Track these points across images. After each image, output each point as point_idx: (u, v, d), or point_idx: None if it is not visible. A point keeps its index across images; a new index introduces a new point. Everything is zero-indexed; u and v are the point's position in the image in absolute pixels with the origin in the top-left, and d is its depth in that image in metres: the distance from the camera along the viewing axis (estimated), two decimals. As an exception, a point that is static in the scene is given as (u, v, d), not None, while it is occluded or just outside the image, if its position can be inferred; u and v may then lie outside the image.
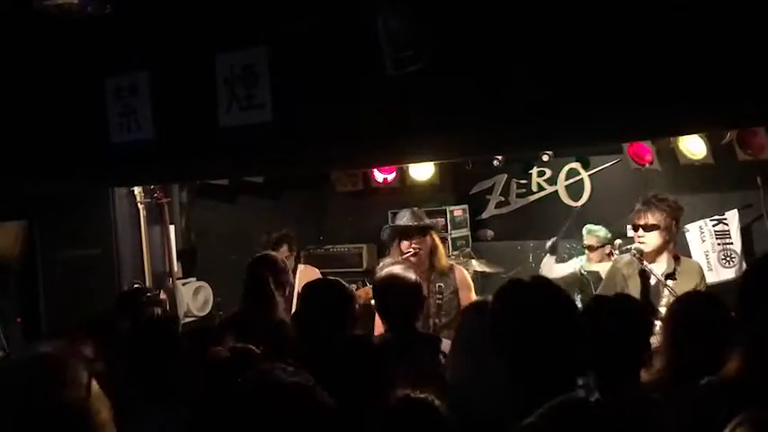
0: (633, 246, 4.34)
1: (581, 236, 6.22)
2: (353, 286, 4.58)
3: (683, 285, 4.21)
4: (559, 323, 2.29)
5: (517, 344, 2.28)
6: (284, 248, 6.07)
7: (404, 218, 4.69)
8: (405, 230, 4.63)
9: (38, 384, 1.80)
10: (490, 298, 2.66)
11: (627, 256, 4.54)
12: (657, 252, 4.31)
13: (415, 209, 4.80)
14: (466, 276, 4.70)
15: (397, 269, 3.70)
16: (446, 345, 3.60)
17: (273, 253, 4.96)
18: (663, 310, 4.12)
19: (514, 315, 2.33)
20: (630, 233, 4.55)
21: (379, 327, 4.25)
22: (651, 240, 4.28)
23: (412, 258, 4.52)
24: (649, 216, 4.30)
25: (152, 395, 2.84)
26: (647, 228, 4.30)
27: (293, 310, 4.94)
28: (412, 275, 3.65)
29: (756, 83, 2.66)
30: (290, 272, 5.19)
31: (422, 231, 4.59)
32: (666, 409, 2.50)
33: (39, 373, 1.82)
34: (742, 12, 2.60)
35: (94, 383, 1.86)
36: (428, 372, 3.18)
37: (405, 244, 4.60)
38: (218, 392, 2.45)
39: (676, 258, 4.38)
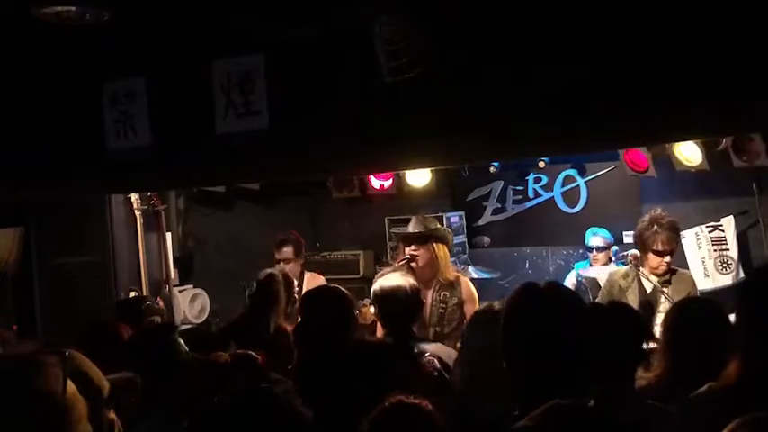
0: (629, 252, 4.40)
1: (580, 242, 6.22)
2: (360, 303, 4.56)
3: (677, 292, 4.32)
4: (574, 328, 2.27)
5: (530, 347, 2.24)
6: (288, 250, 5.78)
7: (410, 225, 4.74)
8: (404, 237, 4.70)
9: (17, 380, 1.90)
10: (496, 305, 2.66)
11: (623, 269, 4.63)
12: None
13: (422, 217, 4.87)
14: (471, 289, 4.71)
15: (395, 275, 3.75)
16: (439, 348, 3.61)
17: (286, 272, 4.94)
18: (660, 316, 4.18)
19: (531, 318, 2.29)
20: (647, 255, 4.56)
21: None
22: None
23: (412, 264, 4.56)
24: (673, 243, 4.49)
25: (151, 402, 2.83)
26: (673, 253, 4.50)
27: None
28: (409, 281, 3.69)
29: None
30: (297, 279, 5.21)
31: (421, 239, 4.62)
32: (664, 414, 2.50)
33: (17, 371, 1.93)
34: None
35: (70, 383, 1.95)
36: (427, 376, 3.20)
37: (406, 250, 4.67)
38: (217, 398, 2.45)
39: (671, 270, 4.53)
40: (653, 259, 4.48)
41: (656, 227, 4.47)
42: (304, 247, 6.01)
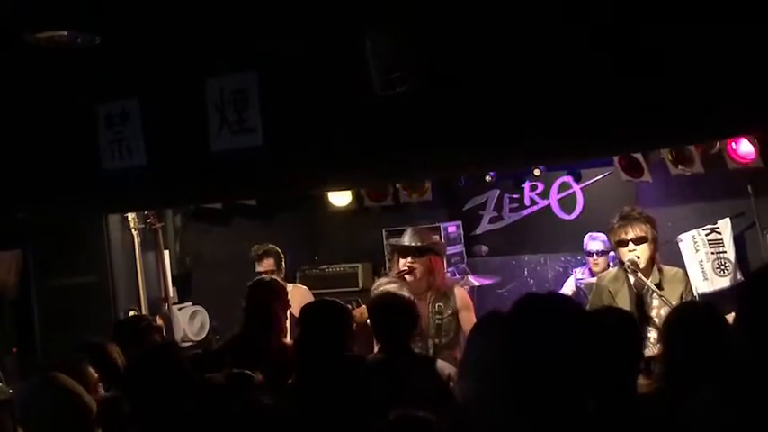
0: (627, 258, 4.33)
1: (578, 249, 6.22)
2: (348, 306, 4.56)
3: (670, 293, 4.22)
4: (575, 338, 2.26)
5: (532, 359, 2.23)
6: (269, 262, 5.81)
7: (405, 236, 4.74)
8: (401, 249, 4.69)
9: None
10: (498, 312, 2.66)
11: (611, 272, 4.55)
12: (649, 265, 4.31)
13: (418, 228, 4.89)
14: (466, 297, 4.73)
15: (391, 288, 3.73)
16: (442, 365, 3.60)
17: (274, 277, 4.95)
18: (655, 320, 4.15)
19: (532, 330, 2.27)
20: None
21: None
22: (644, 253, 4.28)
23: (407, 276, 4.55)
24: (637, 230, 4.28)
25: (153, 421, 2.83)
26: (638, 240, 4.28)
27: (288, 331, 4.95)
28: (405, 294, 3.68)
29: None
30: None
31: (418, 251, 4.62)
32: (665, 417, 2.51)
33: None
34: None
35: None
36: (420, 392, 3.19)
37: (401, 261, 4.65)
38: (216, 418, 2.45)
39: (659, 269, 4.37)
40: (620, 252, 4.31)
41: (616, 219, 4.33)
42: (284, 260, 6.00)
